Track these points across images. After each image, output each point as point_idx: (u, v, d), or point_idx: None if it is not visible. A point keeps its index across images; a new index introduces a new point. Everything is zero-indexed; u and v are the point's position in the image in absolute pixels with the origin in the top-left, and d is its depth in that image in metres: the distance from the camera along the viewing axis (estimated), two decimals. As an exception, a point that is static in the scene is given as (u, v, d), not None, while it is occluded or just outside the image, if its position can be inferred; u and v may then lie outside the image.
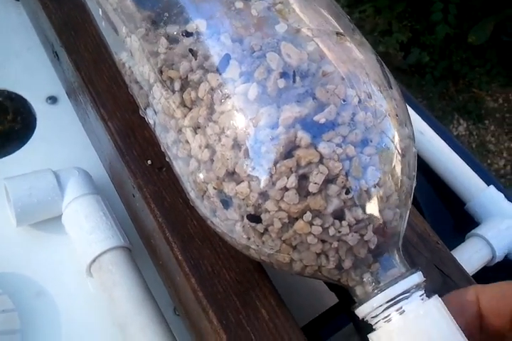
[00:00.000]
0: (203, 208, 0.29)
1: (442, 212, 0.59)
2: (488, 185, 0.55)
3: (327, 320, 0.47)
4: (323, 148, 0.24)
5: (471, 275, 0.36)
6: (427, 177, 0.58)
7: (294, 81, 0.25)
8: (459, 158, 0.56)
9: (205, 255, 0.34)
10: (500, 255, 0.51)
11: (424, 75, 1.90)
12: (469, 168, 0.55)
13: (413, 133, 0.28)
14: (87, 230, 0.45)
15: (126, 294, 0.42)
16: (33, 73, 0.58)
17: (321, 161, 0.24)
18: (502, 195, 0.54)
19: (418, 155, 0.59)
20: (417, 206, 0.40)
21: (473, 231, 0.52)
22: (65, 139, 0.55)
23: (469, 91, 1.93)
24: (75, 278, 0.47)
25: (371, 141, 0.25)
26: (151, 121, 0.31)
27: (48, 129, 0.55)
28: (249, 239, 0.27)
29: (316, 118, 0.24)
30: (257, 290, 0.33)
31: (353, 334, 0.44)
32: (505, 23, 1.83)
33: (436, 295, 0.25)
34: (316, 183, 0.24)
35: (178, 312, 0.46)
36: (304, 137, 0.24)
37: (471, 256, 0.50)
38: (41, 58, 0.57)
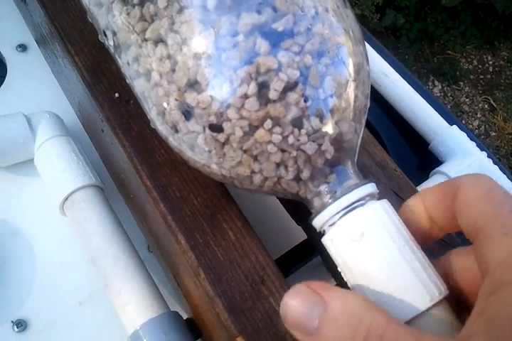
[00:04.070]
0: (164, 125, 0.29)
1: (407, 153, 0.61)
2: (451, 125, 0.56)
3: (295, 255, 0.48)
4: (282, 56, 0.25)
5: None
6: (392, 119, 0.60)
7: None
8: (423, 100, 0.57)
9: (173, 182, 0.35)
10: (463, 191, 0.52)
11: (399, 37, 1.91)
12: (432, 108, 0.57)
13: (366, 54, 0.29)
14: (58, 169, 0.45)
15: (98, 228, 0.42)
16: (1, 22, 0.58)
17: (279, 69, 0.25)
18: (465, 134, 0.56)
19: (383, 97, 0.60)
20: (383, 146, 0.41)
21: (436, 168, 0.54)
22: (35, 86, 0.55)
23: (444, 53, 1.94)
24: (49, 218, 0.48)
25: (328, 52, 0.26)
26: (110, 43, 0.31)
27: (18, 77, 0.56)
28: (210, 151, 0.28)
29: (274, 26, 0.25)
30: (224, 214, 0.34)
31: (319, 265, 0.45)
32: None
33: (386, 199, 0.27)
34: (276, 90, 0.25)
35: (151, 249, 0.47)
36: (263, 44, 0.25)
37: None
38: (9, 6, 0.57)
